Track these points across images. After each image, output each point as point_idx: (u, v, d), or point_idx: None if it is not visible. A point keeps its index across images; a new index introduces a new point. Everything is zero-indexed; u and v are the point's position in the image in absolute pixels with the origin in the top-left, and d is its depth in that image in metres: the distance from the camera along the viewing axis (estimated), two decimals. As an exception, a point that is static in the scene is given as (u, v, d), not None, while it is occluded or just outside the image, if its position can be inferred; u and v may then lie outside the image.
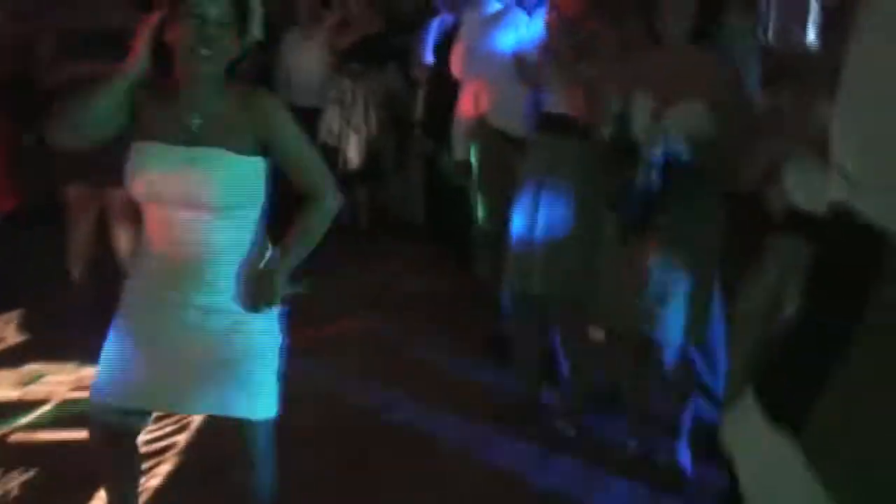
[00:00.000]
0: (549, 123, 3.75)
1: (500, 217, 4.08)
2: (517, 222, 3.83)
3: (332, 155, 5.99)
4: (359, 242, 6.24)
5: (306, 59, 6.25)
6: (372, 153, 6.16)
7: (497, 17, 4.37)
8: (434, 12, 5.66)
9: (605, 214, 3.41)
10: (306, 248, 2.44)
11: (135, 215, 4.43)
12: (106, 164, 4.21)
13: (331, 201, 2.45)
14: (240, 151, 2.32)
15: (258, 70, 6.39)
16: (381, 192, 6.60)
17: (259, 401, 2.40)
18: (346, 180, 5.95)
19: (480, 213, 4.49)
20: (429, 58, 5.59)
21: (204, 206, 2.30)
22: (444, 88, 4.96)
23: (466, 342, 4.64)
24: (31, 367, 4.06)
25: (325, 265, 5.69)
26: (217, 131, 2.32)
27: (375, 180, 6.36)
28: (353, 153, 6.09)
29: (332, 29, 6.14)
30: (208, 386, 2.36)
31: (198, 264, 2.36)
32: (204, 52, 2.26)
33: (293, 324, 4.58)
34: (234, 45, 2.33)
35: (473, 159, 4.49)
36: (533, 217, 3.77)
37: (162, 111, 2.33)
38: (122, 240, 4.54)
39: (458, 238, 5.42)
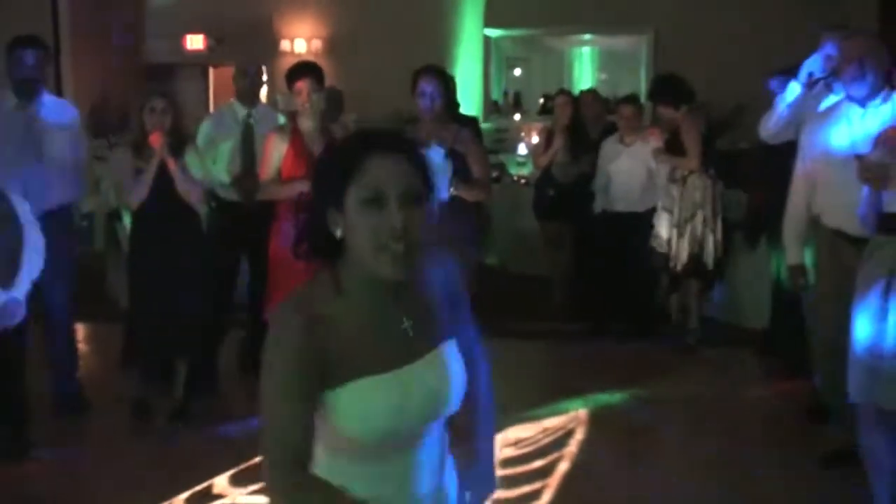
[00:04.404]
0: (893, 224, 3.46)
1: (841, 322, 3.74)
2: (862, 329, 3.50)
3: (660, 260, 6.03)
4: (687, 350, 6.07)
5: (626, 166, 6.30)
6: (699, 256, 5.96)
7: (830, 113, 4.03)
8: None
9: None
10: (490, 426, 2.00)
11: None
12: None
13: (483, 361, 1.99)
14: (452, 334, 1.83)
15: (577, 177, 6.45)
16: (708, 297, 6.34)
17: None
18: (678, 282, 6.06)
19: (819, 317, 4.13)
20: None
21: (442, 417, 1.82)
22: (770, 187, 4.72)
23: (805, 456, 4.29)
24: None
25: (650, 371, 5.73)
26: (430, 322, 1.78)
27: (703, 281, 6.10)
28: (684, 257, 5.93)
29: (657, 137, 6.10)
30: None
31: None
32: (396, 247, 1.62)
33: (611, 434, 4.60)
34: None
35: (809, 262, 4.15)
36: (880, 323, 3.45)
37: (360, 332, 1.69)
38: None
39: (794, 345, 5.08)
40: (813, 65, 4.38)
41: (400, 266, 1.62)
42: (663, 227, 6.00)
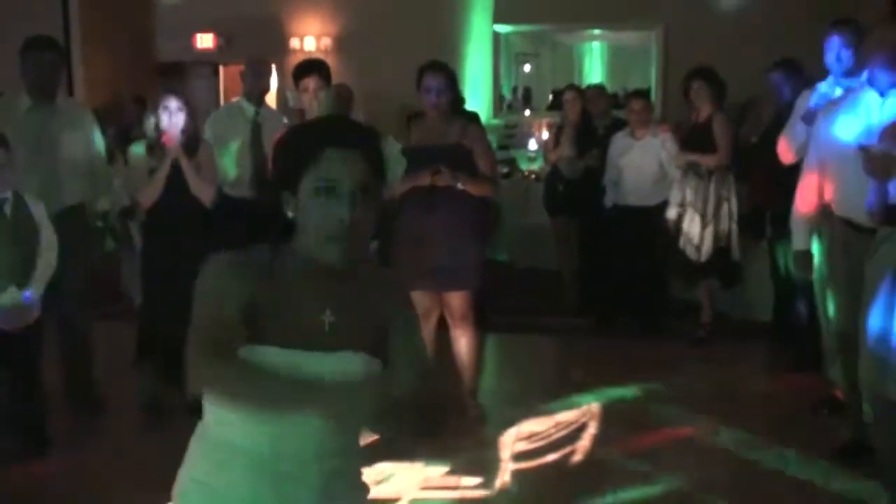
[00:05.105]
0: (900, 216, 3.49)
1: (852, 313, 3.76)
2: (871, 320, 3.52)
3: (677, 253, 6.06)
4: (699, 343, 6.10)
5: (637, 160, 6.32)
6: (722, 248, 6.00)
7: (846, 102, 4.02)
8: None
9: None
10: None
11: (474, 320, 4.62)
12: (447, 271, 4.47)
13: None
14: (376, 353, 1.83)
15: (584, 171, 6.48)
16: (723, 290, 6.35)
17: None
18: (695, 274, 6.07)
19: (829, 309, 4.14)
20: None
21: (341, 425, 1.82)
22: (774, 179, 4.79)
23: (817, 450, 4.29)
24: (383, 467, 4.13)
25: (660, 366, 5.74)
26: (353, 327, 1.81)
27: (727, 275, 6.13)
28: (707, 248, 5.97)
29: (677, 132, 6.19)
30: None
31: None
32: (341, 239, 1.72)
33: (623, 428, 4.62)
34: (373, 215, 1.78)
35: (817, 251, 4.17)
36: (889, 315, 3.48)
37: (282, 302, 1.77)
38: (462, 343, 4.60)
39: (803, 336, 5.09)
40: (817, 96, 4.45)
41: (342, 254, 1.73)
42: (691, 224, 6.00)
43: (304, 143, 1.76)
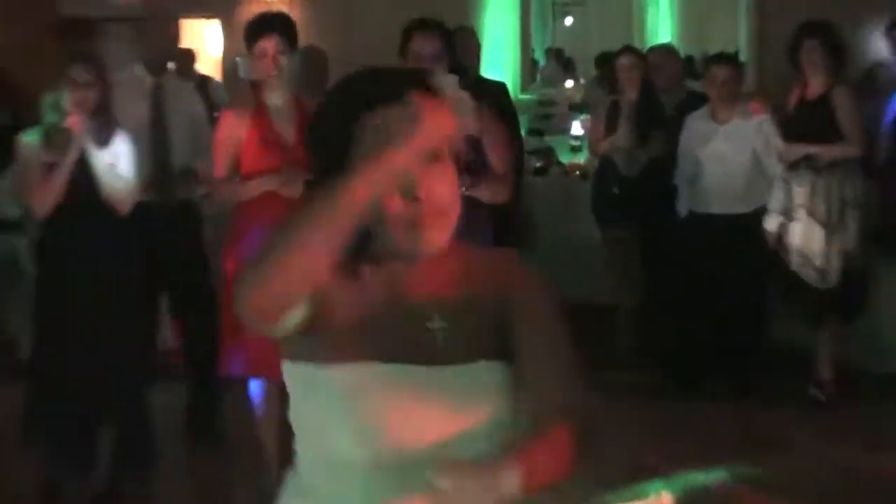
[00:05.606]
0: None
1: None
2: None
3: (788, 279, 6.05)
4: (815, 408, 6.07)
5: (722, 151, 6.26)
6: (851, 271, 5.98)
7: None
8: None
9: None
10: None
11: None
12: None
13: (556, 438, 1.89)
14: (502, 355, 1.87)
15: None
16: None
17: None
18: (818, 307, 6.01)
19: None
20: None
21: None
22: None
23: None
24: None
25: (758, 441, 5.66)
26: (470, 334, 1.86)
27: (853, 308, 6.11)
28: (835, 269, 5.93)
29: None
30: None
31: None
32: (414, 214, 1.78)
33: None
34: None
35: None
36: None
37: (373, 314, 1.83)
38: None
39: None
40: None
41: (432, 240, 1.80)
42: (809, 237, 5.93)
43: (341, 111, 1.81)
